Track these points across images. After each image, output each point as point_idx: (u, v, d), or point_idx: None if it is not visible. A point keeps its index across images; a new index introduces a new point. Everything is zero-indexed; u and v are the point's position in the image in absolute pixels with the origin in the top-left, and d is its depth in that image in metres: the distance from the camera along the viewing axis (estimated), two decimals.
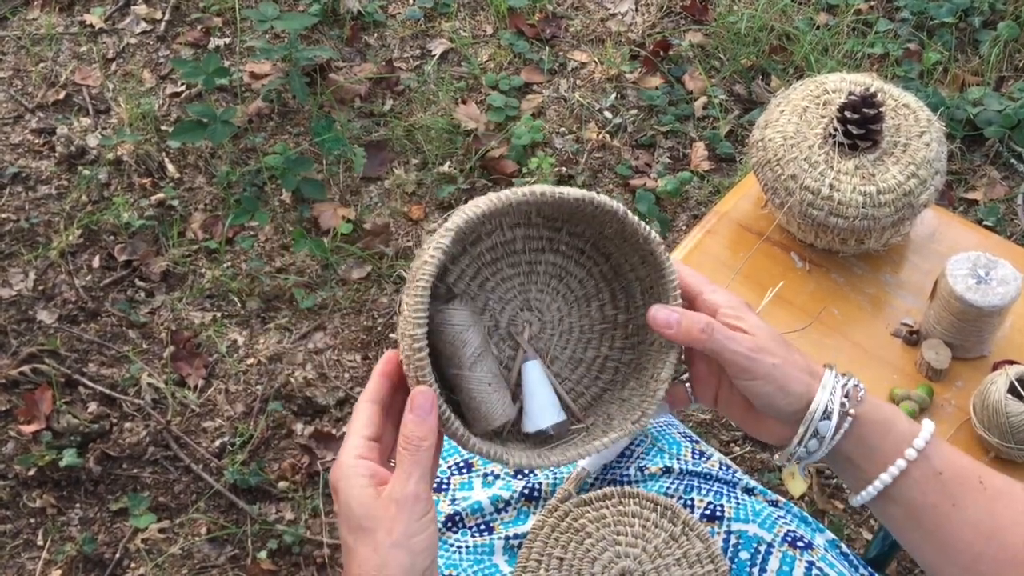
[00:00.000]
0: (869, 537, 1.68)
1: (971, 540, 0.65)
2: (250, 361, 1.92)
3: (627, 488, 0.82)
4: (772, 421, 0.69)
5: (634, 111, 2.31)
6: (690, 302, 0.70)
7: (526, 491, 0.96)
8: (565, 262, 0.73)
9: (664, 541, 0.79)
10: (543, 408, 0.69)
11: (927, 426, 0.68)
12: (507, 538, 0.94)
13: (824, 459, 0.69)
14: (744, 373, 0.66)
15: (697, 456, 1.01)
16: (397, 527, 0.61)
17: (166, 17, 2.53)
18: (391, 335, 1.96)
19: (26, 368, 1.86)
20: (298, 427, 1.82)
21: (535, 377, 0.69)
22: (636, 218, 0.67)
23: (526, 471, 0.85)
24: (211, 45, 2.47)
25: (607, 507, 0.81)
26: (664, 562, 0.78)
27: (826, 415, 0.66)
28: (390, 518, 0.61)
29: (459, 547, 0.98)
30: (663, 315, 0.67)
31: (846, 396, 0.67)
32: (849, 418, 0.66)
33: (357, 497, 0.62)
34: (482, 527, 0.95)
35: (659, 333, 0.67)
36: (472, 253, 0.71)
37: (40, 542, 1.69)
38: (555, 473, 0.96)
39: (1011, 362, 1.18)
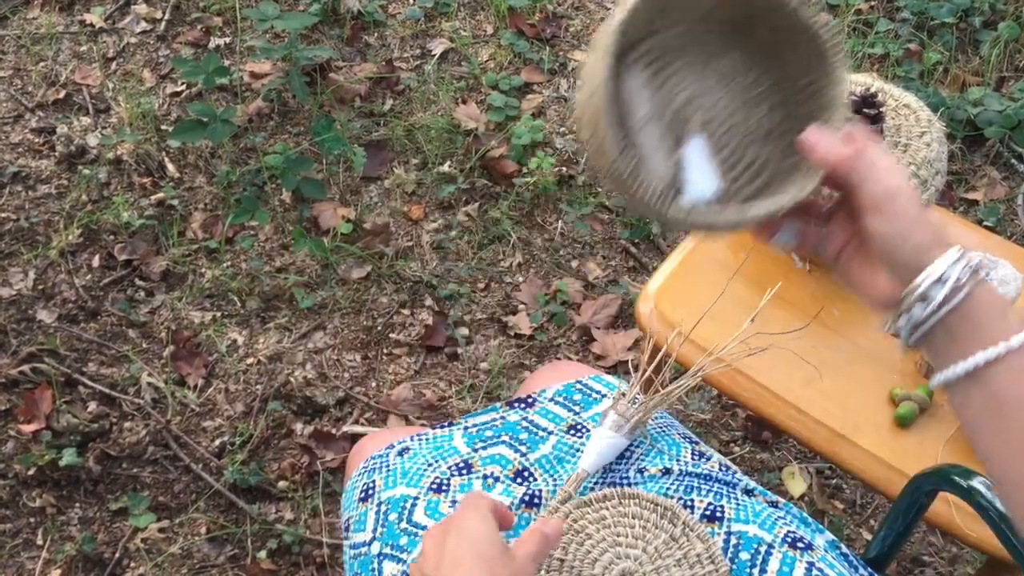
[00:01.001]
0: (869, 537, 1.68)
1: None
2: (250, 361, 1.92)
3: (627, 489, 0.81)
4: (883, 276, 0.66)
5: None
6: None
7: (526, 497, 0.95)
8: (737, 65, 0.74)
9: (664, 542, 0.79)
10: (706, 178, 0.69)
11: None
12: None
13: (925, 339, 0.65)
14: (876, 208, 0.63)
15: (697, 457, 1.01)
16: (505, 572, 0.67)
17: (166, 16, 2.53)
18: (391, 335, 1.96)
19: (26, 367, 1.86)
20: (298, 427, 1.82)
21: (699, 151, 0.70)
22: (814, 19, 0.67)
23: (724, 229, 0.67)
24: (211, 44, 2.47)
25: (607, 508, 0.80)
26: (664, 563, 0.78)
27: (941, 280, 0.62)
28: (504, 564, 0.68)
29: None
30: (812, 135, 0.64)
31: (972, 268, 0.63)
32: (964, 289, 0.62)
33: (493, 538, 0.69)
34: None
35: (811, 158, 0.64)
36: (650, 43, 0.71)
37: (40, 541, 1.69)
38: (554, 479, 0.95)
39: None
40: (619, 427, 0.82)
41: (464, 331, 1.97)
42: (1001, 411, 0.63)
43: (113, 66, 2.43)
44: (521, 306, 2.01)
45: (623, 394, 0.85)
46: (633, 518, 0.80)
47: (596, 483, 0.95)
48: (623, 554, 0.77)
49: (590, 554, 0.77)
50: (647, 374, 0.93)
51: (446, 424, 1.09)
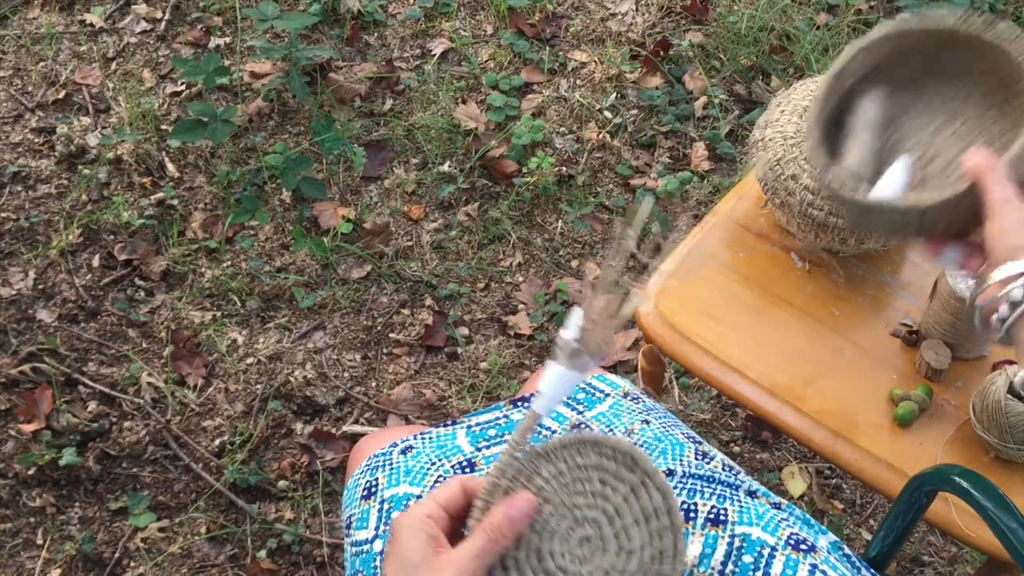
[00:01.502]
0: (868, 537, 1.68)
1: None
2: (250, 360, 1.92)
3: (586, 435, 0.74)
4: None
5: (634, 111, 2.31)
6: None
7: None
8: (940, 89, 0.92)
9: (624, 497, 0.73)
10: (892, 186, 0.84)
11: None
12: None
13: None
14: (993, 210, 0.73)
15: (700, 457, 1.01)
16: None
17: (166, 16, 2.53)
18: (391, 334, 1.96)
19: (26, 367, 1.86)
20: (298, 426, 1.83)
21: (900, 168, 0.86)
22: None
23: (900, 221, 0.82)
24: (211, 44, 2.47)
25: (564, 460, 0.73)
26: (623, 523, 0.73)
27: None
28: (433, 570, 0.65)
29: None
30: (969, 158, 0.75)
31: None
32: None
33: (417, 548, 0.66)
34: None
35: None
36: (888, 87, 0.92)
37: (39, 541, 1.69)
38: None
39: (1011, 362, 1.18)
40: (576, 356, 0.73)
41: (464, 331, 1.97)
42: None
43: (113, 66, 2.43)
44: (521, 306, 2.01)
45: (580, 324, 0.75)
46: (592, 470, 0.74)
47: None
48: (582, 518, 0.73)
49: (548, 524, 0.72)
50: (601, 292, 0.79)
51: (449, 423, 1.09)
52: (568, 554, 0.71)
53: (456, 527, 0.70)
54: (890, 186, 0.85)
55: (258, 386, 1.88)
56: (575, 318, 0.73)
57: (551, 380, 0.73)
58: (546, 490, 0.72)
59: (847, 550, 0.98)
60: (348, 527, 1.02)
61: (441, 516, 0.69)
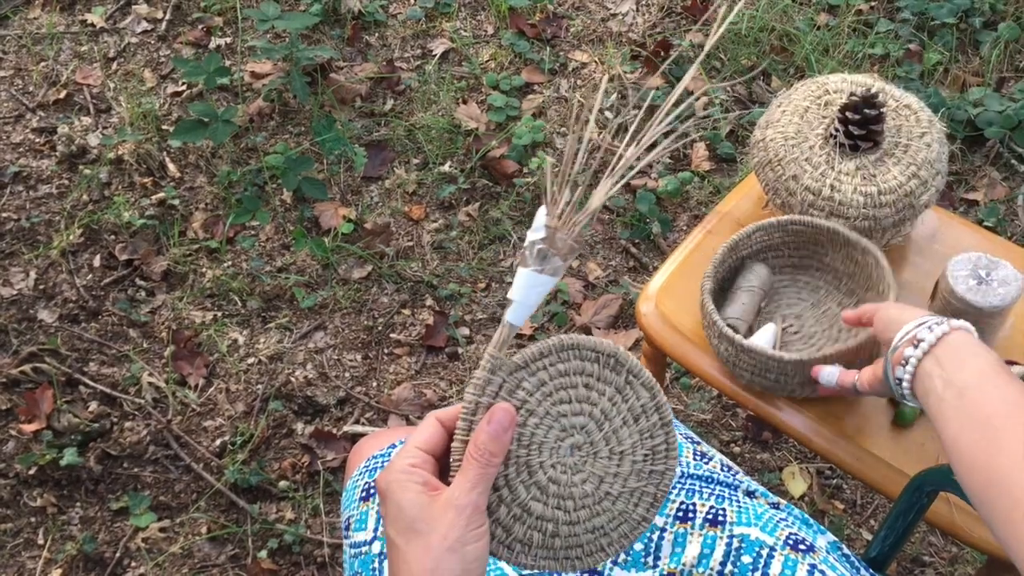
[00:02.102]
0: (869, 537, 1.68)
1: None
2: (251, 360, 1.92)
3: (564, 338, 0.69)
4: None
5: (634, 111, 2.31)
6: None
7: None
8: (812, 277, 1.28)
9: (610, 399, 0.70)
10: (761, 341, 1.18)
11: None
12: None
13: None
14: (879, 319, 0.93)
15: (698, 458, 1.01)
16: (453, 533, 0.61)
17: (167, 16, 2.53)
18: (392, 335, 1.96)
19: (27, 367, 1.86)
20: (298, 426, 1.83)
21: (770, 330, 1.20)
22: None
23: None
24: (212, 44, 2.47)
25: (545, 368, 0.69)
26: (612, 426, 0.70)
27: (921, 326, 0.85)
28: (447, 523, 0.62)
29: None
30: (824, 378, 1.04)
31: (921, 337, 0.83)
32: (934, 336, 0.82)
33: (411, 500, 0.63)
34: None
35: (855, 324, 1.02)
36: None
37: (40, 541, 1.69)
38: None
39: (1012, 362, 1.18)
40: (544, 258, 0.68)
41: (465, 331, 1.97)
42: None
43: (114, 66, 2.43)
44: None
45: (547, 224, 0.70)
46: (575, 375, 0.70)
47: None
48: (569, 425, 0.69)
49: (535, 436, 0.68)
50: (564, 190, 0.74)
51: None
52: (559, 464, 0.69)
53: (444, 464, 0.67)
54: (760, 340, 1.17)
55: (259, 386, 1.88)
56: (540, 217, 0.69)
57: (521, 286, 0.69)
58: (529, 402, 0.68)
59: (846, 550, 0.98)
60: (347, 528, 1.02)
61: (426, 460, 0.65)
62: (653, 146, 0.75)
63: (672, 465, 0.71)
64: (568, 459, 0.69)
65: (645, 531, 0.72)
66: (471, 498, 0.62)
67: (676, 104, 0.76)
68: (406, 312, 2.00)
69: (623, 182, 0.75)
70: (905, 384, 0.84)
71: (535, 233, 0.68)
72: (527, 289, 0.68)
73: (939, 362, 0.81)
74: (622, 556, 0.93)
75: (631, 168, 0.74)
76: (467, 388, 0.67)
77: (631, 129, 0.74)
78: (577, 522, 0.70)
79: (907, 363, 0.83)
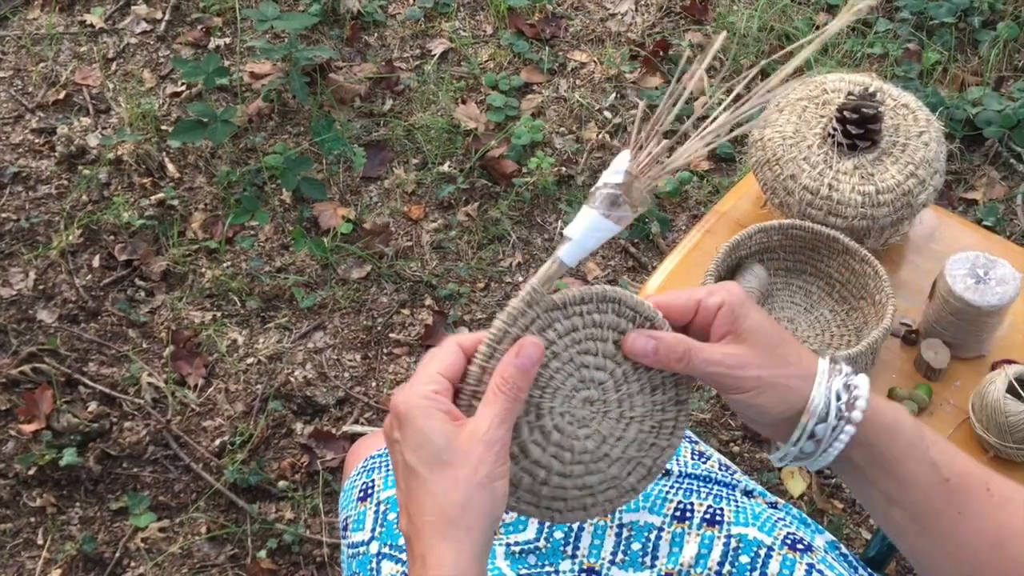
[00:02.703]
0: (868, 537, 1.68)
1: (976, 548, 0.64)
2: (250, 360, 1.92)
3: (608, 289, 0.66)
4: (766, 428, 0.68)
5: (634, 111, 2.31)
6: (694, 313, 0.68)
7: None
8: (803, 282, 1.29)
9: (634, 363, 0.67)
10: None
11: (931, 433, 0.66)
12: (508, 545, 0.94)
13: (831, 466, 0.67)
14: (729, 391, 0.65)
15: (696, 457, 1.01)
16: (483, 468, 0.60)
17: (166, 17, 2.53)
18: (391, 334, 1.96)
19: (26, 367, 1.86)
20: (298, 426, 1.83)
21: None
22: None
23: None
24: (211, 45, 2.47)
25: (581, 316, 0.66)
26: (630, 389, 0.67)
27: (822, 419, 0.64)
28: (476, 457, 0.60)
29: None
30: (640, 344, 0.66)
31: (841, 400, 0.64)
32: (849, 425, 0.63)
33: (438, 429, 0.60)
34: None
35: (639, 361, 0.67)
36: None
37: (40, 541, 1.69)
38: None
39: (1010, 361, 1.18)
40: (615, 204, 0.64)
41: (464, 331, 1.97)
42: (926, 528, 0.65)
43: (113, 66, 2.44)
44: None
45: (624, 169, 0.66)
46: (609, 328, 0.67)
47: None
48: (589, 378, 0.67)
49: (553, 380, 0.66)
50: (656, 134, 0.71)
51: None
52: (568, 414, 0.67)
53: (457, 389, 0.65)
54: None
55: (258, 386, 1.88)
56: (620, 162, 0.65)
57: (583, 227, 0.64)
58: (556, 345, 0.66)
59: (844, 549, 0.98)
60: (345, 528, 1.02)
61: (448, 387, 0.63)
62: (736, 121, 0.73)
63: (675, 443, 0.69)
64: (578, 411, 0.67)
65: (628, 502, 0.70)
66: (500, 434, 0.61)
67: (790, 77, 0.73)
68: (405, 312, 2.00)
69: (713, 145, 0.69)
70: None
71: (612, 176, 0.65)
72: (588, 231, 0.65)
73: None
74: (620, 556, 0.93)
75: (719, 135, 0.69)
76: (499, 315, 0.65)
77: (732, 94, 0.69)
78: (569, 475, 0.68)
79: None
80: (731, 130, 0.70)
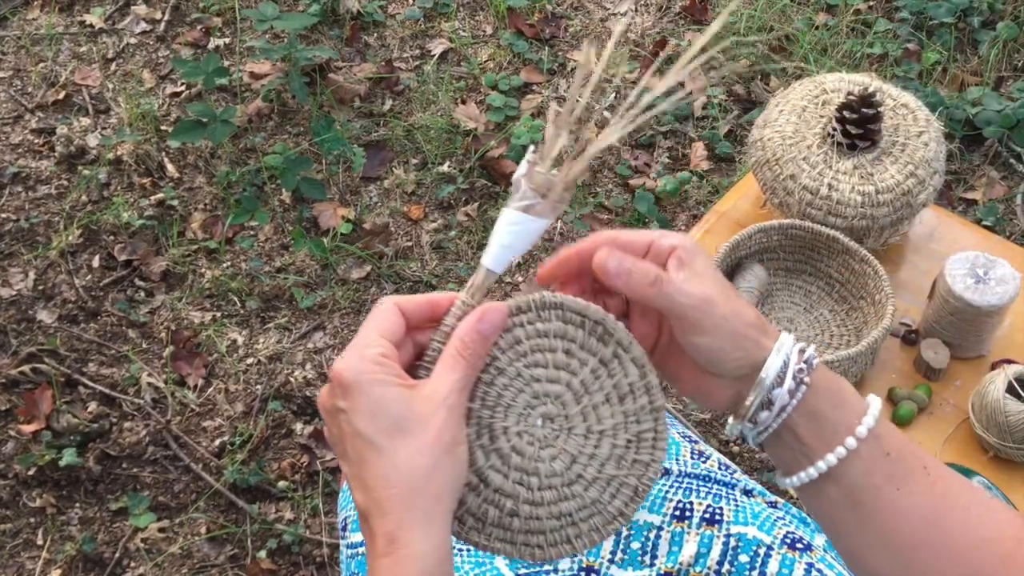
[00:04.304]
0: None
1: (912, 526, 0.61)
2: (250, 361, 1.92)
3: (547, 295, 0.62)
4: (715, 382, 0.63)
5: (633, 111, 2.31)
6: (645, 251, 0.63)
7: None
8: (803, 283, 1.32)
9: (592, 371, 0.62)
10: None
11: (875, 402, 0.62)
12: None
13: (768, 440, 0.63)
14: (691, 328, 0.60)
15: (696, 456, 1.01)
16: (446, 433, 0.57)
17: (166, 17, 2.53)
18: None
19: (26, 368, 1.86)
20: (298, 427, 1.83)
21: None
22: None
23: None
24: (211, 45, 2.47)
25: (523, 326, 0.61)
26: (592, 400, 0.62)
27: (779, 381, 0.60)
28: (439, 422, 0.56)
29: (460, 549, 0.97)
30: (613, 263, 0.60)
31: (805, 362, 0.60)
32: (804, 386, 0.60)
33: (393, 395, 0.57)
34: None
35: (608, 283, 0.61)
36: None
37: (40, 541, 1.69)
38: None
39: (1010, 361, 1.18)
40: (531, 203, 0.61)
41: None
42: (862, 504, 0.61)
43: (113, 67, 2.44)
44: None
45: (536, 161, 0.63)
46: (556, 338, 0.62)
47: None
48: (543, 392, 0.61)
49: (503, 397, 0.61)
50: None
51: None
52: (526, 434, 0.61)
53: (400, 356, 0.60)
54: None
55: (258, 386, 1.88)
56: (531, 155, 0.62)
57: (504, 229, 0.61)
58: (500, 360, 0.61)
59: None
60: (344, 529, 1.02)
61: (393, 350, 0.59)
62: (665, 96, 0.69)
63: (659, 456, 0.63)
64: (537, 430, 0.61)
65: (620, 528, 0.64)
66: (461, 399, 0.58)
67: (702, 51, 0.68)
68: None
69: (630, 128, 0.66)
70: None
71: (519, 169, 0.62)
72: (507, 229, 0.61)
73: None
74: (619, 555, 0.93)
75: (639, 115, 0.65)
76: (432, 334, 0.61)
77: (648, 73, 0.64)
78: (540, 503, 0.61)
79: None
80: (646, 110, 0.66)
